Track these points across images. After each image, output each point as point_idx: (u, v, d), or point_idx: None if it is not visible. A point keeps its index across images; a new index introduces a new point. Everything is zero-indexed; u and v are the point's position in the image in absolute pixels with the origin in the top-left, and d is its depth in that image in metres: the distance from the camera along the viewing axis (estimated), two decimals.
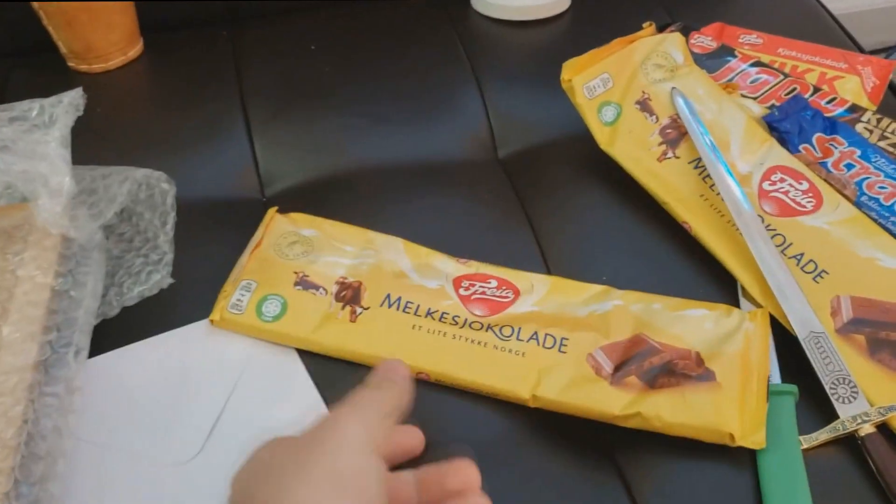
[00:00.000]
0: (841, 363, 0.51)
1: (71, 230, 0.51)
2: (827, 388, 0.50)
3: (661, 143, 0.62)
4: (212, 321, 0.54)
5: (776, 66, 0.70)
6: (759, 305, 0.54)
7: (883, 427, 0.49)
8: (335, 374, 0.52)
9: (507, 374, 0.51)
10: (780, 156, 0.60)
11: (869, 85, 0.69)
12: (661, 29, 0.71)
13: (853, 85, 0.69)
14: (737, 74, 0.68)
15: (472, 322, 0.53)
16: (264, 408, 0.50)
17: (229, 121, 0.70)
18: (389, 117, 0.71)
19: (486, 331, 0.53)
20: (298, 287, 0.55)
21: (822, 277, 0.54)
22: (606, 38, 0.67)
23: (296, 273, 0.56)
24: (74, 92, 0.54)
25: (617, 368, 0.50)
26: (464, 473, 0.42)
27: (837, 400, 0.50)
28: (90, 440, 0.48)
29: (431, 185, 0.66)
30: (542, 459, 0.50)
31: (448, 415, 0.51)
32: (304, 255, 0.57)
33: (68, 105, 0.54)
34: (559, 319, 0.53)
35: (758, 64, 0.69)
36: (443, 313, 0.54)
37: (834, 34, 0.81)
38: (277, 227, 0.59)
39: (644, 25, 0.67)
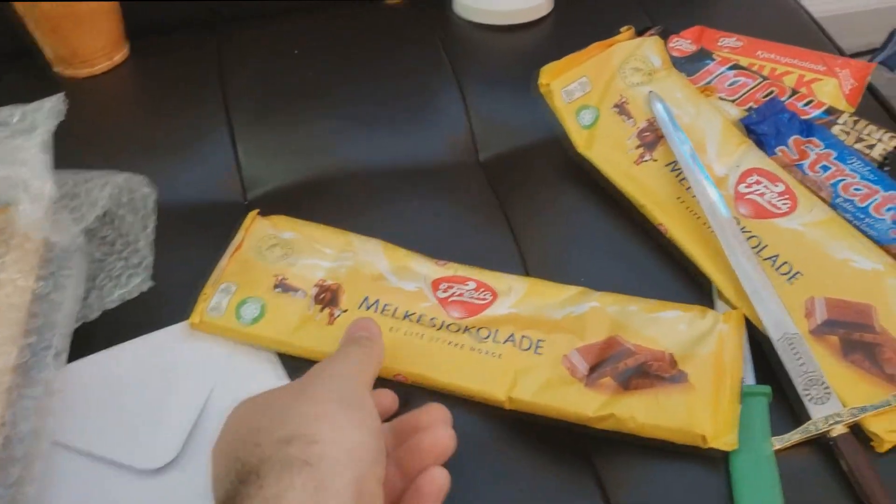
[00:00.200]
0: (814, 364, 0.51)
1: (52, 234, 0.52)
2: (800, 389, 0.51)
3: (638, 147, 0.63)
4: (191, 324, 0.54)
5: (755, 68, 0.70)
6: (733, 307, 0.55)
7: (855, 428, 0.50)
8: None
9: (483, 376, 0.51)
10: (757, 158, 0.60)
11: (847, 87, 0.70)
12: (640, 32, 0.72)
13: (831, 87, 0.69)
14: (715, 77, 0.68)
15: (450, 324, 0.54)
16: None
17: (213, 125, 0.70)
18: (372, 121, 0.71)
19: (464, 333, 0.53)
20: (278, 290, 0.56)
21: (796, 279, 0.55)
22: (588, 41, 0.68)
23: (275, 276, 0.56)
24: (55, 98, 0.55)
25: (592, 370, 0.51)
26: (434, 410, 0.46)
27: (810, 401, 0.50)
28: (68, 443, 0.49)
29: (413, 189, 0.67)
30: (519, 463, 0.50)
31: None
32: (284, 258, 0.57)
33: (49, 111, 0.55)
34: (536, 321, 0.54)
35: (736, 67, 0.69)
36: (420, 315, 0.54)
37: (814, 37, 0.82)
38: (258, 229, 0.59)
39: (622, 30, 0.67)
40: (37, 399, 0.47)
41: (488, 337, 0.53)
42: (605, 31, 0.69)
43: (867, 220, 0.57)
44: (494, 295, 0.55)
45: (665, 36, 0.72)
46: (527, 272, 0.60)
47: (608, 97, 0.64)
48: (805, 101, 0.66)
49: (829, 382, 0.50)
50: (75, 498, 0.47)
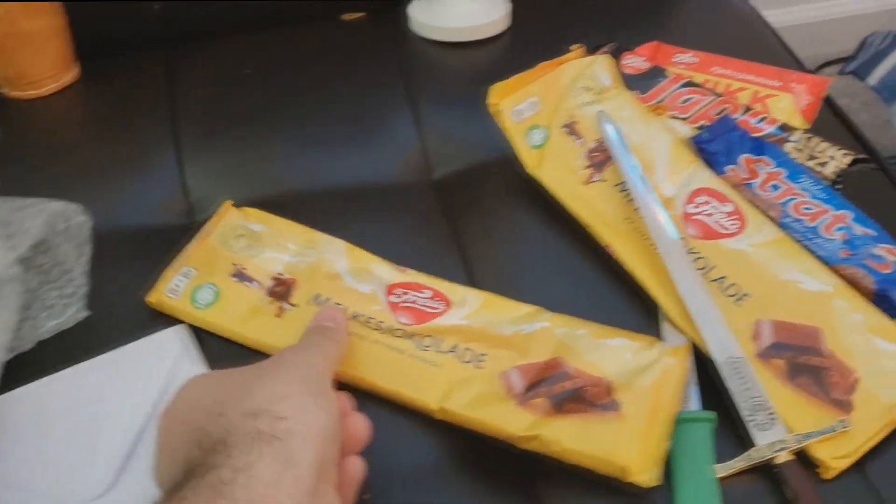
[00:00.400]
0: (759, 389, 0.50)
1: None
2: (744, 414, 0.50)
3: (587, 167, 0.62)
4: (148, 302, 0.56)
5: (709, 85, 0.70)
6: (680, 330, 0.54)
7: (801, 454, 0.49)
8: None
9: (419, 383, 0.51)
10: (705, 178, 0.60)
11: (803, 103, 0.69)
12: (595, 49, 0.71)
13: (786, 103, 0.69)
14: (667, 95, 0.68)
15: (396, 329, 0.54)
16: None
17: (160, 147, 0.69)
18: (323, 141, 0.70)
19: (408, 339, 0.53)
20: (234, 278, 0.57)
21: (743, 301, 0.54)
22: (546, 57, 0.67)
23: (234, 265, 0.57)
24: None
25: (528, 389, 0.50)
26: (341, 399, 0.45)
27: (755, 427, 0.49)
28: None
29: (364, 209, 0.66)
30: (459, 487, 0.49)
31: None
32: (248, 249, 0.58)
33: None
34: (483, 335, 0.53)
35: (689, 84, 0.68)
36: (368, 318, 0.54)
37: (774, 50, 0.81)
38: (229, 219, 0.60)
39: (572, 48, 0.66)
40: None
41: (431, 346, 0.53)
42: (563, 47, 0.68)
43: (816, 239, 0.57)
44: (448, 305, 0.55)
45: (619, 53, 0.71)
46: None
47: (558, 117, 0.63)
48: (759, 118, 0.65)
49: (774, 407, 0.50)
50: None
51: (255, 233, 0.59)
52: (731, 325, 0.53)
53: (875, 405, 0.49)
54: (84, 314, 0.55)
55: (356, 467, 0.44)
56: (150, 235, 0.64)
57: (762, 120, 0.65)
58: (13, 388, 0.51)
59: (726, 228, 0.57)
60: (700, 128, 0.65)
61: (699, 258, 0.56)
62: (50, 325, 0.54)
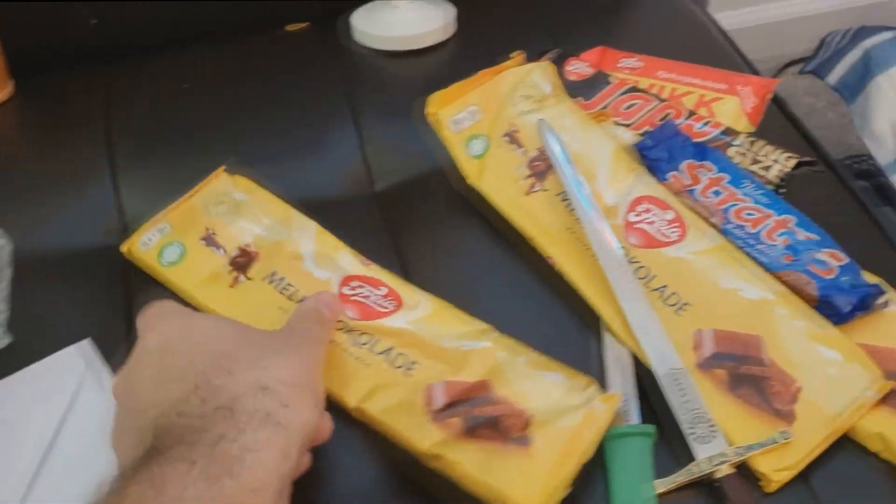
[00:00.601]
0: (699, 401, 0.49)
1: None
2: (685, 427, 0.49)
3: (528, 176, 0.61)
4: (121, 250, 0.58)
5: (654, 90, 0.69)
6: (621, 341, 0.53)
7: (743, 467, 0.48)
8: None
9: (343, 378, 0.50)
10: (647, 185, 0.59)
11: (748, 105, 0.68)
12: (540, 55, 0.70)
13: (732, 106, 0.68)
14: (612, 101, 0.67)
15: (338, 321, 0.53)
16: (93, 450, 0.47)
17: (95, 166, 0.67)
18: (264, 156, 0.69)
19: (345, 333, 0.52)
20: (203, 242, 0.58)
21: (684, 310, 0.53)
22: (491, 65, 0.66)
23: (207, 228, 0.58)
24: None
25: (447, 406, 0.48)
26: None
27: (695, 440, 0.48)
28: None
29: None
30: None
31: None
32: (224, 216, 0.59)
33: None
34: (421, 343, 0.52)
35: (633, 90, 0.67)
36: None
37: (725, 53, 0.81)
38: (217, 184, 0.60)
39: (512, 55, 0.65)
40: None
41: (366, 344, 0.52)
42: (511, 53, 0.67)
43: (758, 245, 0.56)
44: (398, 307, 0.54)
45: (563, 59, 0.70)
46: None
47: (498, 126, 0.62)
48: (702, 122, 0.65)
49: (715, 419, 0.49)
50: None
51: (237, 201, 0.59)
52: (673, 335, 0.52)
53: (817, 415, 0.49)
54: (6, 340, 0.53)
55: (305, 462, 0.44)
56: (85, 257, 0.62)
57: (706, 124, 0.64)
58: None
59: (667, 237, 0.56)
60: (643, 134, 0.64)
61: (641, 267, 0.55)
62: None
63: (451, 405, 0.48)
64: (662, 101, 0.66)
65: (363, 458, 0.50)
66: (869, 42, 1.22)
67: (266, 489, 0.36)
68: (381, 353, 0.51)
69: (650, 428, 0.49)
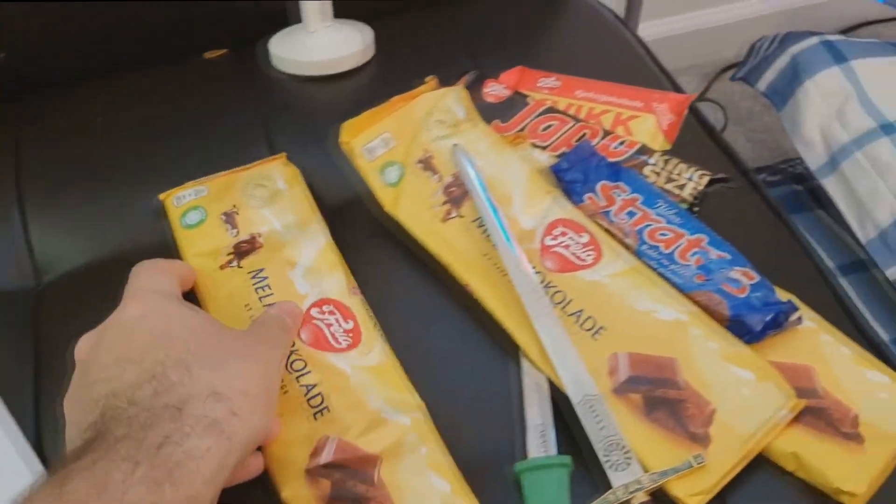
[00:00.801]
0: (614, 427, 0.49)
1: None
2: (600, 455, 0.48)
3: (444, 203, 0.60)
4: (159, 197, 0.61)
5: (572, 110, 0.69)
6: (538, 368, 0.53)
7: (659, 493, 0.47)
8: None
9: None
10: (563, 208, 0.58)
11: (665, 122, 0.68)
12: (458, 78, 0.70)
13: (649, 124, 0.68)
14: (528, 123, 0.66)
15: None
16: None
17: (3, 205, 0.65)
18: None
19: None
20: (223, 217, 0.58)
21: (600, 334, 0.53)
22: (411, 88, 0.65)
23: (234, 206, 0.59)
24: None
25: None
26: None
27: (610, 468, 0.48)
28: None
29: None
30: None
31: None
32: (256, 199, 0.59)
33: None
34: (340, 390, 0.50)
35: (550, 110, 0.67)
36: None
37: (644, 67, 0.81)
38: (268, 168, 0.62)
39: (426, 80, 0.65)
40: None
41: (302, 369, 0.51)
42: (428, 75, 0.67)
43: (672, 266, 0.56)
44: (354, 345, 0.52)
45: (481, 80, 0.70)
46: None
47: (413, 152, 0.62)
48: (618, 142, 0.65)
49: (630, 445, 0.48)
50: None
51: (278, 190, 0.60)
52: (589, 360, 0.52)
53: (732, 437, 0.48)
54: None
55: (255, 466, 0.45)
56: None
57: (621, 143, 0.64)
58: None
59: (583, 260, 0.56)
60: (560, 156, 0.63)
61: (557, 292, 0.55)
62: None
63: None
64: (579, 121, 0.66)
65: None
66: (796, 48, 1.24)
67: (202, 497, 0.37)
68: (302, 387, 0.50)
69: (566, 459, 0.49)
